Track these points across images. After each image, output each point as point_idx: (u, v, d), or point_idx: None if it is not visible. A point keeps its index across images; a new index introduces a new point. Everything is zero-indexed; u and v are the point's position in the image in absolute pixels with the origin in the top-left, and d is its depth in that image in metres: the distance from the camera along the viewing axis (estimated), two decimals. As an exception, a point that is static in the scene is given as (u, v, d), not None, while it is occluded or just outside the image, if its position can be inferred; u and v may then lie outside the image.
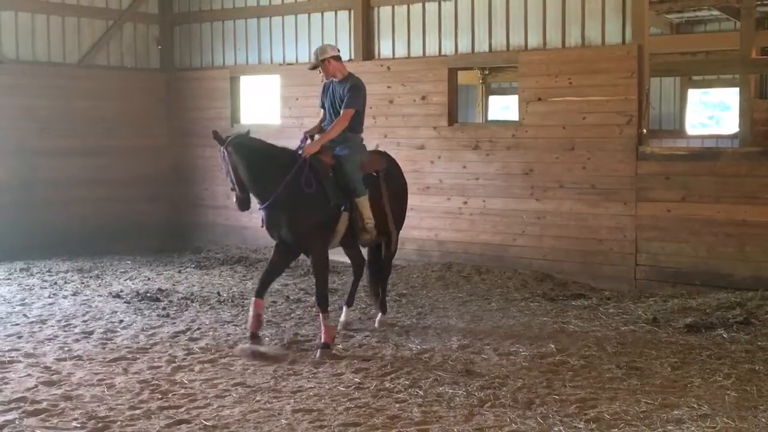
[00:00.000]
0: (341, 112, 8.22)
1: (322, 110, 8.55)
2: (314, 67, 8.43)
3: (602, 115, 10.71)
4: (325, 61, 8.29)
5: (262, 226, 8.11)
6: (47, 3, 13.49)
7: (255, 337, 7.80)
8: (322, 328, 7.82)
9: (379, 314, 8.88)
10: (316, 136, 8.40)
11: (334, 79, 8.39)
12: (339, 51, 8.51)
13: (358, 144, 8.50)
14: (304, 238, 7.92)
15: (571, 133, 10.93)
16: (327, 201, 7.97)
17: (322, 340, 7.76)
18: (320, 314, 7.91)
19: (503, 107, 21.93)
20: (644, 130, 10.59)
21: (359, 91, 8.28)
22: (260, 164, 7.81)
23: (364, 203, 8.23)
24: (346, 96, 8.21)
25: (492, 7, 11.61)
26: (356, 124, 8.36)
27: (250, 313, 7.87)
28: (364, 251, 8.93)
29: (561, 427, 5.80)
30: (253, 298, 7.88)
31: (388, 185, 8.64)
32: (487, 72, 17.94)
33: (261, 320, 7.94)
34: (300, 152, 8.09)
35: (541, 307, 9.63)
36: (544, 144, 11.14)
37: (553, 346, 7.90)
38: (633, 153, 10.50)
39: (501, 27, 11.55)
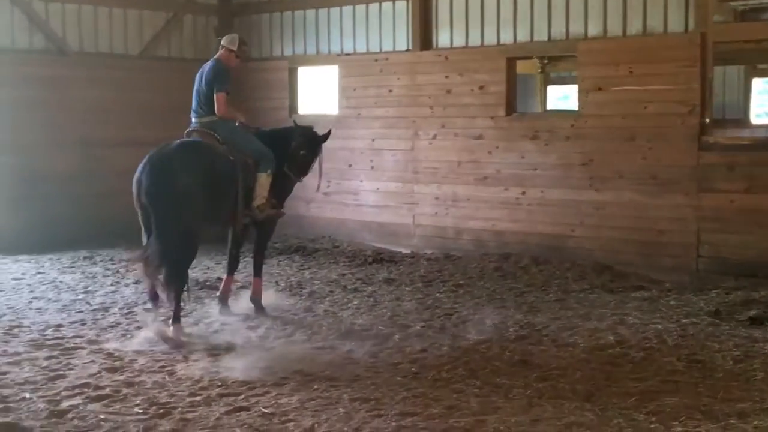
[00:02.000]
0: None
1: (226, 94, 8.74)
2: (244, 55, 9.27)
3: (664, 105, 10.55)
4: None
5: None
6: (110, -5, 13.71)
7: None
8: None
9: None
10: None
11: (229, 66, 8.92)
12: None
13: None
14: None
15: (631, 123, 10.78)
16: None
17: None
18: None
19: (560, 97, 21.72)
20: (707, 120, 10.41)
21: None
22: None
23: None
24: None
25: (551, -5, 11.50)
26: None
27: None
28: None
29: (620, 420, 5.73)
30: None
31: None
32: (546, 61, 17.74)
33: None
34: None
35: (600, 298, 9.53)
36: (603, 134, 11.01)
37: (612, 337, 7.82)
38: (695, 143, 10.33)
39: (560, 15, 11.43)
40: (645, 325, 8.34)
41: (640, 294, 9.69)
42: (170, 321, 7.87)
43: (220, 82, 8.60)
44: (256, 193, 8.61)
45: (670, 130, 10.50)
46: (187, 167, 7.91)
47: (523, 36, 11.81)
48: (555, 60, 17.47)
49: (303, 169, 9.15)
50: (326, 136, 9.19)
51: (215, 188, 8.11)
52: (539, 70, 18.61)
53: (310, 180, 9.39)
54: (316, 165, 9.18)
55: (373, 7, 13.22)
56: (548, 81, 19.81)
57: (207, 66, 8.81)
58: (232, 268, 9.20)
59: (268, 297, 9.28)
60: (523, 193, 11.69)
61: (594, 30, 11.19)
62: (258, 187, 8.62)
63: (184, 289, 8.00)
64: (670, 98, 10.49)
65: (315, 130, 9.29)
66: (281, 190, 9.04)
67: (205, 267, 11.49)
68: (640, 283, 10.17)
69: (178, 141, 8.46)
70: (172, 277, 7.78)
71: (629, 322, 8.45)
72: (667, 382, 6.54)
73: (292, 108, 14.11)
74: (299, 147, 8.99)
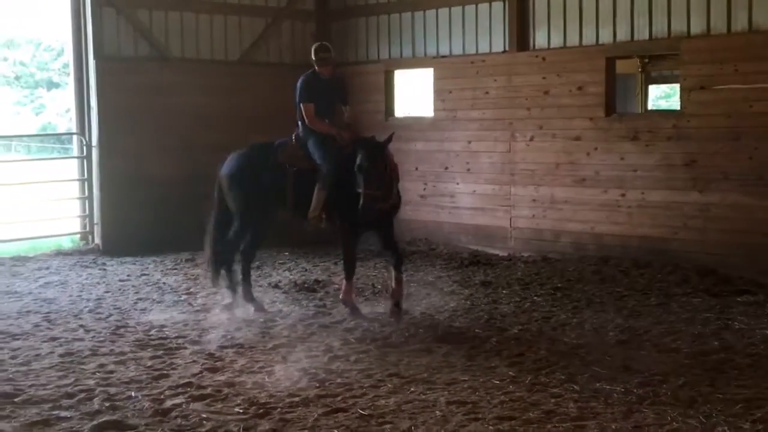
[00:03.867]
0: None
1: (310, 104, 9.05)
2: (328, 63, 9.19)
3: (771, 103, 10.22)
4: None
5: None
6: (211, 3, 13.99)
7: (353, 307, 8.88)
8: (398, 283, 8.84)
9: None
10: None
11: (323, 76, 9.16)
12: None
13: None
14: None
15: (736, 122, 10.48)
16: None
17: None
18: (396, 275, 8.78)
19: (659, 96, 21.25)
20: (817, 118, 10.04)
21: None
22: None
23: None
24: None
25: (652, -7, 11.26)
26: None
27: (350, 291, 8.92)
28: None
29: (725, 427, 5.58)
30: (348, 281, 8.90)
31: None
32: (646, 60, 17.39)
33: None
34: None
35: (704, 302, 9.29)
36: (707, 134, 10.73)
37: (716, 343, 7.62)
38: (805, 142, 9.98)
39: (662, 13, 11.18)
40: (751, 330, 8.10)
41: (745, 298, 9.42)
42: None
43: (297, 94, 9.19)
44: (312, 205, 8.82)
45: (777, 129, 10.17)
46: (227, 164, 9.34)
47: (623, 35, 11.59)
48: (656, 59, 17.10)
49: (369, 183, 8.33)
50: (387, 142, 8.59)
51: (252, 188, 9.01)
52: (639, 70, 18.25)
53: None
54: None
55: (469, 8, 13.17)
56: (649, 80, 19.42)
57: None
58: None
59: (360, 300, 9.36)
60: (623, 195, 11.48)
61: (697, 27, 10.90)
62: (313, 199, 8.81)
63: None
64: (777, 96, 10.16)
65: (377, 138, 8.76)
66: (345, 206, 8.64)
67: (303, 269, 11.63)
68: (745, 287, 9.87)
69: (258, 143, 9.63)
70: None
71: (734, 327, 8.22)
72: (775, 390, 6.34)
73: (389, 111, 14.16)
74: (359, 159, 8.46)
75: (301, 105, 9.06)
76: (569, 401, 6.15)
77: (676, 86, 15.11)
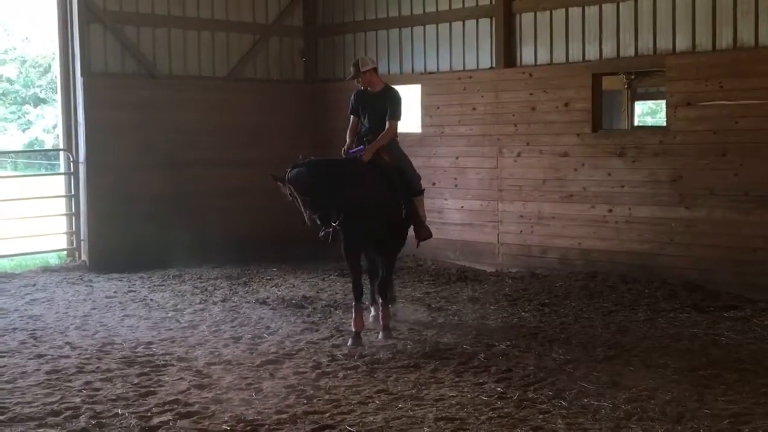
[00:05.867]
0: (387, 122, 8.88)
1: (352, 117, 9.16)
2: (353, 78, 9.03)
3: (756, 120, 10.28)
4: (365, 72, 8.90)
5: (329, 241, 8.71)
6: (198, 20, 14.00)
7: (359, 336, 8.52)
8: (383, 312, 8.78)
9: (390, 306, 9.17)
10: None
11: (370, 89, 9.00)
12: (376, 64, 9.24)
13: (400, 149, 9.21)
14: (381, 236, 8.68)
15: (722, 138, 10.54)
16: (394, 200, 8.70)
17: (384, 323, 8.70)
18: (381, 300, 8.80)
19: (645, 113, 21.34)
20: (802, 134, 10.10)
21: (400, 102, 8.99)
22: (331, 179, 8.39)
23: (421, 201, 9.10)
24: (389, 107, 8.90)
25: (638, 10, 11.31)
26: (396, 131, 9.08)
27: (354, 315, 8.63)
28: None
29: (713, 443, 5.59)
30: (354, 304, 8.66)
31: None
32: (632, 77, 17.50)
33: (364, 321, 8.79)
34: (358, 158, 8.75)
35: (691, 318, 9.32)
36: (693, 150, 10.78)
37: (704, 358, 7.63)
38: (790, 158, 10.03)
39: (648, 30, 11.25)
40: (738, 345, 8.13)
41: (732, 313, 9.44)
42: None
43: None
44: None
45: (763, 145, 10.22)
46: None
47: (609, 51, 11.65)
48: (642, 75, 17.23)
49: (304, 204, 8.34)
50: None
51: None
52: (626, 86, 18.37)
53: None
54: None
55: (457, 25, 13.23)
56: (635, 96, 19.54)
57: None
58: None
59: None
60: (610, 210, 11.52)
61: (682, 44, 10.98)
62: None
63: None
64: (762, 113, 10.21)
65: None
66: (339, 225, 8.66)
67: (291, 285, 11.61)
68: (732, 302, 9.90)
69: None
70: None
71: (722, 343, 8.24)
72: (762, 405, 6.36)
73: (376, 127, 14.15)
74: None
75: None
76: (557, 417, 6.15)
77: (662, 102, 15.19)
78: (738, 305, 9.78)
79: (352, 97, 9.22)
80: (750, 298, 10.03)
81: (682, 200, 10.88)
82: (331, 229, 8.59)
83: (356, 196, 8.46)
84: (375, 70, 9.04)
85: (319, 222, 8.43)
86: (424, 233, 9.13)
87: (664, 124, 11.36)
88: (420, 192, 9.12)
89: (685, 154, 10.85)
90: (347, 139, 9.19)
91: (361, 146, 8.96)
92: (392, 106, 8.89)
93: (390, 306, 9.14)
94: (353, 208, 8.46)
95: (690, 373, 7.20)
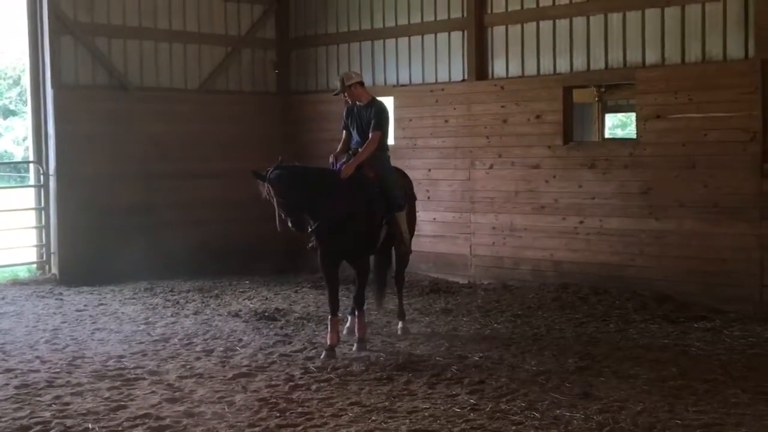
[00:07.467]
0: (370, 134, 8.81)
1: (344, 132, 9.17)
2: (340, 93, 9.07)
3: (724, 132, 10.40)
4: (350, 86, 8.89)
5: (310, 246, 8.80)
6: (170, 31, 13.96)
7: (333, 350, 8.45)
8: (359, 323, 8.78)
9: (400, 322, 9.42)
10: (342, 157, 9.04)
11: (358, 103, 8.97)
12: (361, 77, 9.16)
13: (388, 162, 9.16)
14: (358, 249, 8.70)
15: (691, 151, 10.65)
16: (374, 214, 8.68)
17: (359, 335, 8.72)
18: (358, 312, 8.81)
19: (616, 125, 21.49)
20: (770, 147, 10.22)
21: (385, 114, 8.93)
22: (310, 186, 8.40)
23: (402, 217, 9.12)
24: (373, 119, 8.81)
25: (608, 24, 11.43)
26: (383, 144, 9.01)
27: (329, 329, 8.57)
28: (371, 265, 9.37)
29: (684, 454, 5.62)
30: (330, 317, 8.65)
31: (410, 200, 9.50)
32: (603, 89, 17.64)
33: (339, 335, 8.73)
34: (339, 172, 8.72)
35: (662, 329, 9.39)
36: (663, 162, 10.88)
37: (674, 369, 7.69)
38: (757, 170, 10.15)
39: (617, 44, 11.36)
40: (708, 356, 8.19)
41: (702, 324, 9.53)
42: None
43: None
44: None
45: (731, 157, 10.35)
46: None
47: (579, 65, 11.76)
48: (612, 88, 17.37)
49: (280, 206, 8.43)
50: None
51: None
52: (596, 99, 18.51)
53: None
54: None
55: (428, 38, 13.28)
56: (605, 109, 19.68)
57: None
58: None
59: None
60: (582, 222, 11.59)
61: (652, 57, 11.10)
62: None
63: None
64: (730, 125, 10.34)
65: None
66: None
67: (263, 297, 11.58)
68: (702, 314, 10.00)
69: None
70: None
71: (692, 353, 8.31)
72: (732, 415, 6.41)
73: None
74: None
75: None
76: (530, 428, 6.17)
77: (632, 115, 15.30)
78: (708, 316, 9.87)
79: (344, 113, 9.22)
80: (719, 309, 10.13)
81: (652, 212, 10.97)
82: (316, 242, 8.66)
83: (332, 206, 8.46)
84: (361, 83, 9.00)
85: (292, 227, 8.43)
86: (402, 248, 9.24)
87: (635, 136, 11.46)
88: (401, 208, 9.08)
89: (655, 166, 10.95)
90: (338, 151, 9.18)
91: (336, 161, 8.98)
92: (376, 117, 8.84)
93: (401, 323, 9.41)
94: (328, 219, 8.46)
95: (661, 384, 7.25)
